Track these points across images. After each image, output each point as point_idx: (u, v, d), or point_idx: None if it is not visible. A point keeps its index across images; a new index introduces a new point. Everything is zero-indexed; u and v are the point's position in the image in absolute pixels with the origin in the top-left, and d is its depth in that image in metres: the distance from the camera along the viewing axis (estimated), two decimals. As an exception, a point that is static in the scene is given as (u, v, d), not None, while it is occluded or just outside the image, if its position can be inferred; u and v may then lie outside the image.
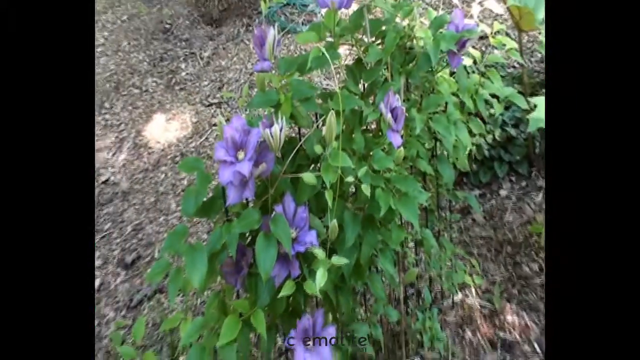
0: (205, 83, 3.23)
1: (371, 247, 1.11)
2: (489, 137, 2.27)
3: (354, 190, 1.15)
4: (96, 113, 3.22)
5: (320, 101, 1.16)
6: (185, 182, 2.58)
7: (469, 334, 1.84)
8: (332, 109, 1.02)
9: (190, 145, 2.78)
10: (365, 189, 0.94)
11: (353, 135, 1.09)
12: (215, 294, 1.12)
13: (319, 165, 1.13)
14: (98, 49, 3.86)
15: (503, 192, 2.44)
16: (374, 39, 1.18)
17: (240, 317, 1.05)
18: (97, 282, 2.18)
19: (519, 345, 1.82)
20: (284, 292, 1.01)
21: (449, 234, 1.91)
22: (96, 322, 2.02)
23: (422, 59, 1.17)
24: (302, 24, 3.53)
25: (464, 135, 1.22)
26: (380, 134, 1.14)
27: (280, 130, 0.95)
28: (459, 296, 1.94)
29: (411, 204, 1.05)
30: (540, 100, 2.02)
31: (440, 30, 1.17)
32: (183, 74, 3.37)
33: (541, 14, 2.30)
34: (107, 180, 2.70)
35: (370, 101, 1.17)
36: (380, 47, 1.17)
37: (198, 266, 0.98)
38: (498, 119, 2.43)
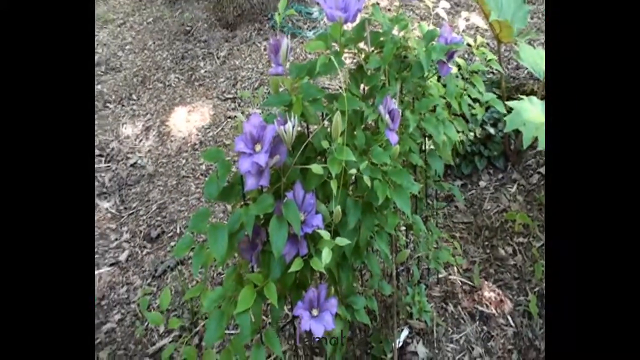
0: (222, 80, 3.23)
1: (369, 230, 1.13)
2: (471, 135, 2.30)
3: (354, 180, 1.18)
4: (125, 104, 3.23)
5: (325, 102, 1.18)
6: (203, 167, 2.60)
7: (451, 307, 1.87)
8: (338, 109, 1.04)
9: (208, 135, 2.80)
10: (367, 180, 0.97)
11: (355, 133, 1.11)
12: (233, 267, 1.15)
13: (324, 157, 1.16)
14: (126, 47, 3.85)
15: (482, 183, 2.46)
16: (373, 48, 1.20)
17: (254, 288, 1.08)
18: (125, 254, 2.20)
19: (495, 317, 1.86)
20: (293, 268, 1.04)
21: (435, 220, 1.93)
22: (125, 289, 2.05)
23: (415, 67, 1.19)
24: (308, 30, 3.53)
25: (452, 133, 1.25)
26: (377, 131, 1.16)
27: (293, 127, 0.97)
28: (443, 274, 1.97)
29: (404, 194, 1.08)
30: (515, 104, 2.04)
31: (432, 42, 1.19)
32: (202, 71, 3.37)
33: (517, 27, 2.31)
34: (135, 163, 2.72)
35: (370, 102, 1.19)
36: (378, 55, 1.19)
37: (219, 242, 1.01)
38: (478, 118, 2.45)
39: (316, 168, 1.01)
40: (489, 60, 1.45)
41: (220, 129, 2.82)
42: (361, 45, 1.22)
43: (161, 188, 2.49)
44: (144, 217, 2.33)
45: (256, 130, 0.98)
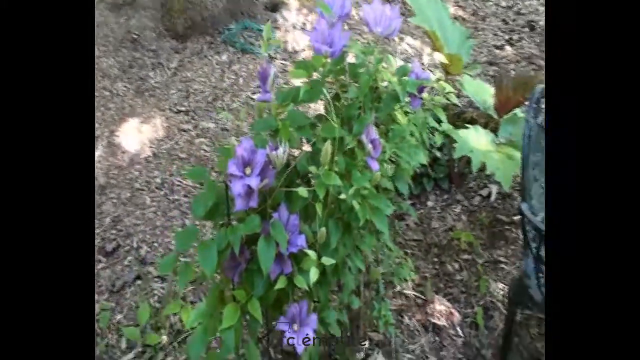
0: (173, 92, 3.22)
1: (347, 249, 1.22)
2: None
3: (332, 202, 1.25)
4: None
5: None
6: (158, 180, 2.58)
7: (406, 319, 1.99)
8: (323, 137, 1.12)
9: (162, 148, 2.78)
10: (355, 205, 1.05)
11: (336, 158, 1.19)
12: (215, 285, 1.19)
13: (306, 180, 1.23)
14: (69, 53, 3.74)
15: (430, 203, 2.61)
16: (351, 79, 1.29)
17: (238, 305, 1.13)
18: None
19: (446, 329, 1.99)
20: (279, 286, 1.10)
21: (392, 237, 2.05)
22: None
23: (388, 98, 1.29)
24: (259, 46, 3.59)
25: (421, 158, 1.35)
26: (355, 156, 1.25)
27: (284, 152, 1.04)
28: (397, 288, 2.08)
29: (382, 216, 1.17)
30: (462, 132, 2.21)
31: (404, 76, 1.29)
32: (152, 81, 3.34)
33: (464, 59, 2.51)
34: (82, 175, 2.65)
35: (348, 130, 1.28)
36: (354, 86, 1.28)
37: (209, 259, 1.05)
38: (437, 146, 2.61)
39: (302, 191, 1.08)
40: (448, 92, 1.58)
41: (174, 142, 2.81)
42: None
43: (114, 201, 2.46)
44: (98, 230, 2.29)
45: (247, 154, 1.04)
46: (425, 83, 1.28)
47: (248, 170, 1.05)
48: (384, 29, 1.17)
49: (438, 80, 1.55)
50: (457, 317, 2.03)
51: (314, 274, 1.03)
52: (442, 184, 2.69)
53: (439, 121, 1.55)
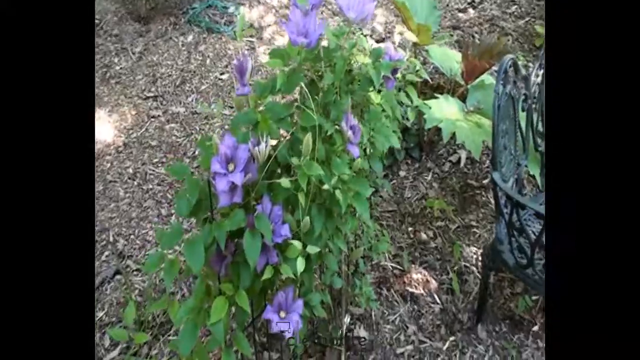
0: (140, 77, 3.11)
1: (329, 233, 1.21)
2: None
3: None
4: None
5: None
6: (130, 170, 2.51)
7: (385, 291, 2.01)
8: (302, 128, 1.10)
9: (132, 136, 2.70)
10: (338, 195, 1.04)
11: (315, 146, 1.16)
12: (200, 279, 1.17)
13: (287, 170, 1.21)
14: (28, 41, 3.56)
15: (402, 173, 2.62)
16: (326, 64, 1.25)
17: (225, 297, 1.11)
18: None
19: (423, 297, 2.02)
20: (265, 276, 1.09)
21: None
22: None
23: (363, 81, 1.27)
24: (225, 24, 3.48)
25: (395, 141, 1.34)
26: (332, 141, 1.23)
27: (266, 147, 1.01)
28: (375, 261, 2.10)
29: (363, 200, 1.16)
30: (432, 103, 2.21)
31: (378, 59, 1.27)
32: (117, 68, 3.21)
33: (433, 29, 2.48)
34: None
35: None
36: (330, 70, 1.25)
37: (197, 256, 1.03)
38: (410, 123, 2.60)
39: (285, 182, 1.06)
40: (417, 70, 1.57)
41: (144, 129, 2.73)
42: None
43: (88, 193, 2.38)
44: (74, 224, 2.22)
45: (230, 151, 1.01)
46: (398, 64, 1.26)
47: (231, 167, 1.02)
48: (357, 14, 1.13)
49: (409, 59, 1.53)
50: (433, 284, 2.06)
51: (300, 264, 1.03)
52: (413, 152, 2.70)
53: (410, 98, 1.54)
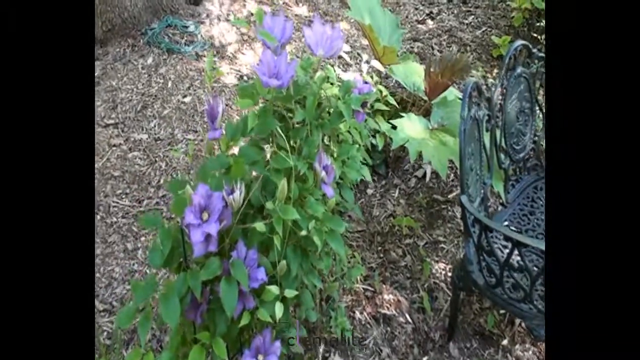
0: (99, 103, 2.98)
1: (304, 272, 1.18)
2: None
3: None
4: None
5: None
6: (98, 198, 2.40)
7: (358, 314, 1.98)
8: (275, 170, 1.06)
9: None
10: (316, 239, 1.01)
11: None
12: (175, 329, 1.11)
13: (260, 212, 1.17)
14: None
15: (369, 191, 2.61)
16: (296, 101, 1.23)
17: (202, 346, 1.07)
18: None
19: (395, 317, 2.01)
20: (243, 322, 1.05)
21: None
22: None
23: (334, 116, 1.24)
24: (185, 44, 3.40)
25: (367, 173, 1.33)
26: (303, 179, 1.20)
27: (240, 195, 0.97)
28: (347, 286, 2.07)
29: (338, 237, 1.14)
30: (398, 122, 2.20)
31: (349, 93, 1.25)
32: (74, 92, 3.08)
33: (397, 47, 2.50)
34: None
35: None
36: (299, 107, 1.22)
37: (172, 310, 0.99)
38: (379, 148, 2.57)
39: (260, 227, 1.02)
40: (385, 95, 1.56)
41: (105, 159, 2.61)
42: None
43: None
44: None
45: (204, 200, 0.96)
46: (367, 97, 1.25)
47: (205, 216, 0.98)
48: (326, 51, 1.11)
49: (376, 83, 1.51)
50: (405, 304, 2.05)
51: (278, 310, 0.99)
52: (379, 169, 2.69)
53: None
